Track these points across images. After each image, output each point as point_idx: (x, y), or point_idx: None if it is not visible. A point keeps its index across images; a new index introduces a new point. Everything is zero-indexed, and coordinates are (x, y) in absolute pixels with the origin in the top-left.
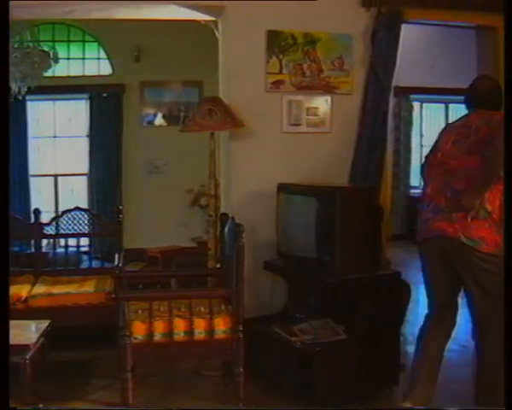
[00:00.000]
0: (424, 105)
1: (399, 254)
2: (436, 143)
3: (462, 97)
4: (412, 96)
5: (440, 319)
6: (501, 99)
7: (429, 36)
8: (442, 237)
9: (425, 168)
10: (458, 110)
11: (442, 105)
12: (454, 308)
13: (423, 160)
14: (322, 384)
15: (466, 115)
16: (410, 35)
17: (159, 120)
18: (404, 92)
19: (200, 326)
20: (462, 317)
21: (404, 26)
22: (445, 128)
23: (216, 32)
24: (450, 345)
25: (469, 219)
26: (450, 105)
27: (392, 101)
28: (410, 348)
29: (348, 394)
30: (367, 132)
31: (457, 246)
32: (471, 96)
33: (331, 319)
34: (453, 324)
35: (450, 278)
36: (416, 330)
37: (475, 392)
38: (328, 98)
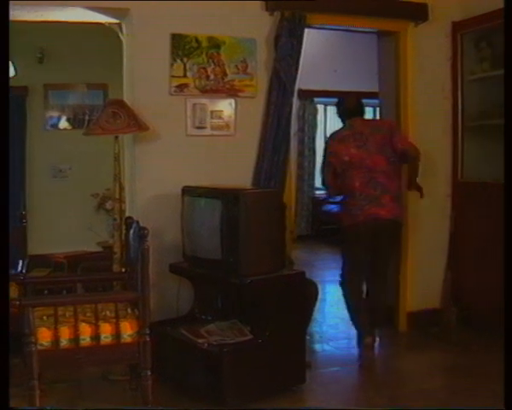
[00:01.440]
0: (328, 108)
1: (305, 255)
2: (334, 150)
3: (364, 100)
4: (316, 100)
5: (357, 277)
6: (362, 108)
7: (333, 40)
8: (377, 219)
9: (345, 169)
10: None
11: None
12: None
13: (325, 163)
14: (230, 385)
15: (348, 125)
16: (314, 39)
17: (63, 124)
18: (309, 95)
19: (106, 331)
20: None
21: (308, 31)
22: (333, 138)
23: (120, 35)
24: (352, 341)
25: (393, 203)
26: None
27: (296, 103)
28: (318, 347)
29: (256, 393)
30: (270, 135)
31: (388, 223)
32: (347, 110)
33: (238, 320)
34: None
35: (368, 251)
36: (324, 329)
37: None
38: (233, 101)
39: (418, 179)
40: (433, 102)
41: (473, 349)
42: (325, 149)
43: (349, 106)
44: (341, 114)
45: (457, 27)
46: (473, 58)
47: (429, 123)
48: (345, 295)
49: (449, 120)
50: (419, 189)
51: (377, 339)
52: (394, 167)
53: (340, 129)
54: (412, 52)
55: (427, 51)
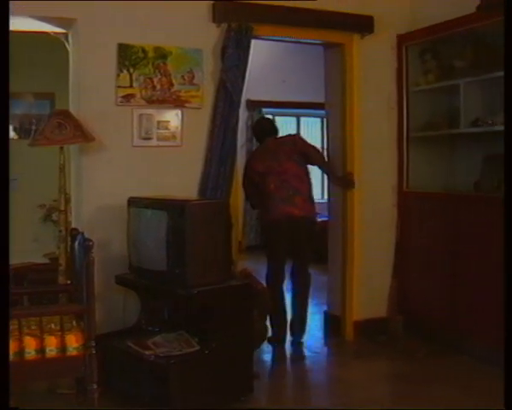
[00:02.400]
0: (277, 118)
1: (254, 265)
2: (250, 165)
3: (312, 110)
4: (265, 110)
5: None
6: (275, 129)
7: (281, 51)
8: (291, 216)
9: (262, 177)
10: (309, 122)
11: (294, 118)
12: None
13: (245, 176)
14: (178, 396)
15: (263, 144)
16: (262, 50)
17: (10, 133)
18: (257, 105)
19: (51, 344)
20: (314, 326)
21: (256, 42)
22: (250, 156)
23: (67, 45)
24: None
25: (305, 203)
26: (302, 118)
27: (245, 114)
28: (266, 357)
29: (204, 404)
30: (217, 146)
31: (302, 220)
32: (262, 132)
33: (185, 331)
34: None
35: (288, 245)
36: None
37: (290, 327)
38: (179, 112)
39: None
40: (379, 112)
41: (418, 357)
42: (245, 167)
43: (264, 128)
44: (257, 135)
45: (402, 40)
46: (418, 70)
47: (375, 133)
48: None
49: (394, 131)
50: (344, 180)
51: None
52: (305, 172)
53: (257, 148)
54: (358, 63)
55: (373, 63)
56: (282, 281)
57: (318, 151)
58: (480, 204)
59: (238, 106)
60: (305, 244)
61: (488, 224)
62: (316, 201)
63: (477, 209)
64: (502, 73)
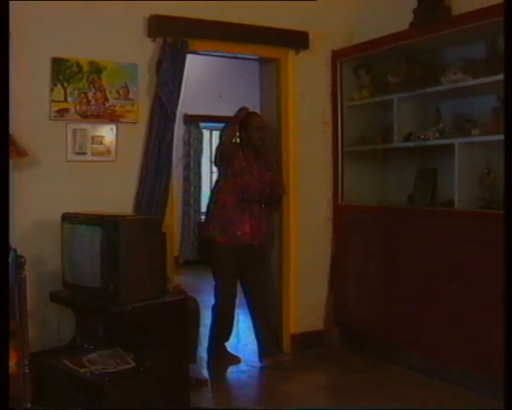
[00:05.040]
0: (214, 132)
1: (192, 280)
2: None
3: None
4: (202, 124)
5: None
6: None
7: (218, 66)
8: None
9: None
10: None
11: None
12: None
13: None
14: None
15: None
16: (199, 65)
17: None
18: (194, 120)
19: None
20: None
21: (193, 57)
22: None
23: None
24: (240, 366)
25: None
26: None
27: (182, 128)
28: (204, 372)
29: None
30: (152, 161)
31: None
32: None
33: (120, 348)
34: None
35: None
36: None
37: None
38: (114, 127)
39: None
40: (314, 127)
41: (355, 368)
42: None
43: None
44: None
45: (337, 55)
46: (352, 85)
47: (310, 148)
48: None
49: (329, 145)
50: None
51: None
52: None
53: None
54: (293, 79)
55: (308, 78)
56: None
57: None
58: (413, 217)
59: (173, 121)
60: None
61: (421, 236)
62: None
63: (410, 222)
64: (434, 89)
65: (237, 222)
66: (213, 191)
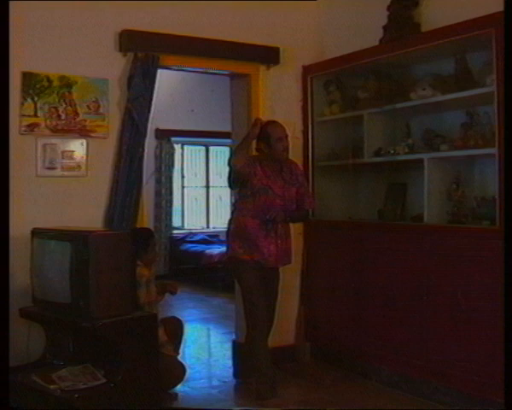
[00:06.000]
0: (185, 147)
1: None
2: None
3: (221, 140)
4: (174, 139)
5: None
6: None
7: (189, 81)
8: None
9: None
10: (218, 152)
11: (203, 147)
12: None
13: None
14: None
15: None
16: (171, 79)
17: None
18: (166, 134)
19: None
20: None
21: (164, 71)
22: None
23: None
24: (211, 381)
25: None
26: (211, 147)
27: (153, 143)
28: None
29: None
30: (123, 176)
31: None
32: None
33: (90, 364)
34: None
35: None
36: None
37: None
38: (84, 142)
39: None
40: None
41: (326, 383)
42: None
43: None
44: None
45: (307, 71)
46: (323, 100)
47: None
48: None
49: (300, 160)
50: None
51: None
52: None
53: None
54: (264, 94)
55: (279, 93)
56: None
57: None
58: (383, 231)
59: (144, 135)
60: None
61: (391, 250)
62: (224, 230)
63: (381, 236)
64: (402, 105)
65: (262, 245)
66: (233, 212)
